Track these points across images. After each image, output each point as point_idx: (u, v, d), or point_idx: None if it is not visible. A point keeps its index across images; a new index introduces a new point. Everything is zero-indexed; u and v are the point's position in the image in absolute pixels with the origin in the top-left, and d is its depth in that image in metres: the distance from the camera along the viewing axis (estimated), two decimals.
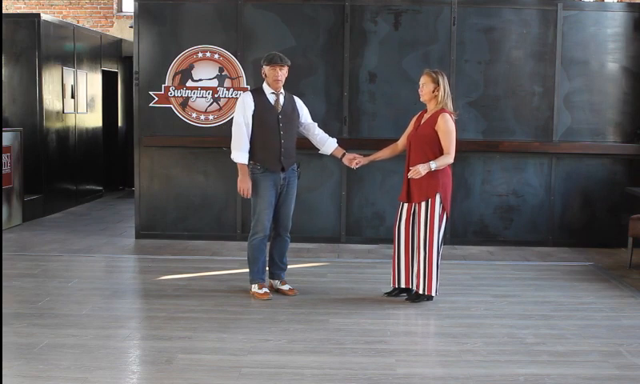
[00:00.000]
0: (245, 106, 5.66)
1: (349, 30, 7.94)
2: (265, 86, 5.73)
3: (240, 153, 5.66)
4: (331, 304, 5.65)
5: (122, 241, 8.13)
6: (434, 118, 5.55)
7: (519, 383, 4.14)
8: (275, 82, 5.65)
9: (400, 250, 5.68)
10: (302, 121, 5.90)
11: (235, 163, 5.71)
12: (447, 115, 5.53)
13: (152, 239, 8.07)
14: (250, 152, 5.71)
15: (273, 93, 5.70)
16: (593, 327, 5.17)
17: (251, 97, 5.69)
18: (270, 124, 5.65)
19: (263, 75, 5.72)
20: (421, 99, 5.67)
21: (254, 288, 5.77)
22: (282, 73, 5.66)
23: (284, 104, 5.73)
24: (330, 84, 8.00)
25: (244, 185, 5.67)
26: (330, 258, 7.35)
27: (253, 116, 5.65)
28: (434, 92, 5.57)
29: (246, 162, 5.66)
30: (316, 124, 6.00)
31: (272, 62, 5.64)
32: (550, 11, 7.92)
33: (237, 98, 7.91)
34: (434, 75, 5.57)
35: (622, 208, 8.01)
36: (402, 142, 5.86)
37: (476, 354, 4.59)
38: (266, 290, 5.77)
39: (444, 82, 5.56)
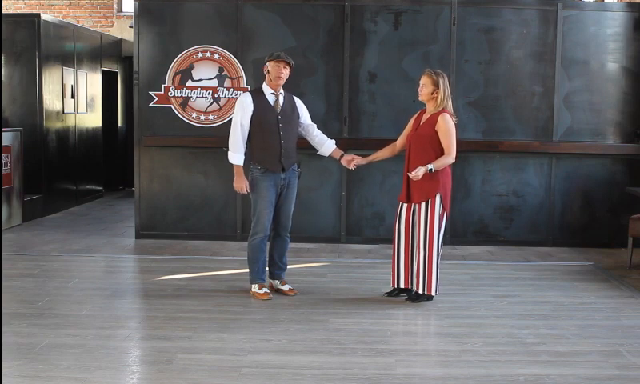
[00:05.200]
0: (244, 107, 5.64)
1: (349, 30, 7.93)
2: (265, 86, 5.72)
3: (235, 154, 5.68)
4: (331, 304, 5.65)
5: (122, 241, 8.13)
6: (433, 119, 5.55)
7: (519, 383, 4.14)
8: (277, 79, 5.63)
9: (400, 250, 5.68)
10: (302, 121, 5.89)
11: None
12: (447, 115, 5.52)
13: (152, 239, 8.07)
14: (251, 152, 5.72)
15: (272, 93, 5.69)
16: (593, 327, 5.17)
17: (250, 98, 5.67)
18: (269, 125, 5.64)
19: (265, 71, 5.69)
20: (419, 99, 5.67)
21: (254, 288, 5.77)
22: (285, 72, 5.66)
23: (283, 104, 5.73)
24: (330, 84, 8.00)
25: (239, 184, 5.73)
26: (330, 258, 7.35)
27: (252, 117, 5.64)
28: (432, 94, 5.56)
29: (241, 164, 5.69)
30: (315, 125, 6.00)
31: (278, 58, 5.64)
32: (550, 11, 7.92)
33: (237, 98, 7.92)
34: (434, 77, 5.55)
35: (622, 208, 8.01)
36: (400, 141, 5.85)
37: (476, 353, 4.59)
38: (265, 290, 5.77)
39: (444, 84, 5.54)
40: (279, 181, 5.70)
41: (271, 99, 5.68)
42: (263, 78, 5.77)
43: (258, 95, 5.70)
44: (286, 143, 5.69)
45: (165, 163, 8.14)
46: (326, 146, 5.97)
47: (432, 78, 5.56)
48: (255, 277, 5.78)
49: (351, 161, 5.88)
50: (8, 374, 4.08)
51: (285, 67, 5.64)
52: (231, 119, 6.23)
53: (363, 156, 5.99)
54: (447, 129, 5.49)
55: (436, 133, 5.51)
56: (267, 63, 5.68)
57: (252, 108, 5.63)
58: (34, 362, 4.30)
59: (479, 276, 6.71)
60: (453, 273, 6.67)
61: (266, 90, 5.71)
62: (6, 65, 9.51)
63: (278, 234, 5.86)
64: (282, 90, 5.74)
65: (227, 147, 5.70)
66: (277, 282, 5.92)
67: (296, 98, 5.91)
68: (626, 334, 5.04)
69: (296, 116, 5.82)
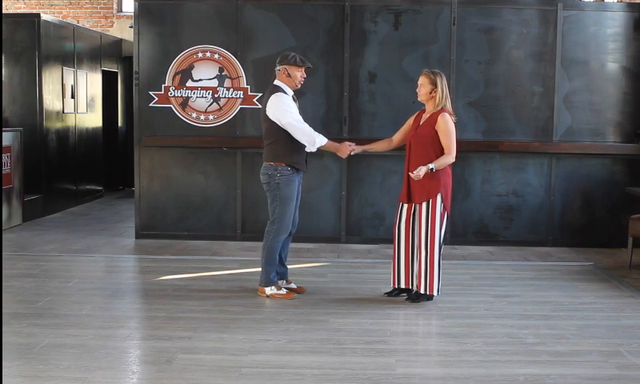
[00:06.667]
0: (291, 104, 5.60)
1: (349, 30, 7.93)
2: (285, 87, 5.67)
3: (316, 138, 5.62)
4: (331, 304, 5.65)
5: (122, 241, 8.13)
6: (433, 118, 5.55)
7: (519, 383, 4.14)
8: (300, 84, 5.70)
9: (400, 250, 5.68)
10: None
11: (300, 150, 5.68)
12: (447, 115, 5.53)
13: (152, 239, 8.07)
14: (279, 154, 5.63)
15: (293, 94, 5.72)
16: (593, 327, 5.17)
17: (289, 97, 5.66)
18: None
19: (285, 75, 5.65)
20: (418, 99, 5.67)
21: (272, 290, 5.73)
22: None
23: (298, 104, 5.78)
24: (330, 84, 7.99)
25: (345, 150, 5.77)
26: (330, 258, 7.35)
27: None
28: (431, 93, 5.56)
29: (327, 139, 5.71)
30: None
31: (304, 63, 5.67)
32: (550, 11, 7.92)
33: (237, 98, 7.94)
34: (432, 76, 5.56)
35: (622, 208, 8.00)
36: (397, 137, 5.86)
37: (476, 353, 4.59)
38: (285, 290, 5.77)
39: (442, 83, 5.55)
40: (300, 180, 5.75)
41: (293, 99, 5.72)
42: (271, 78, 5.75)
43: (288, 95, 5.68)
44: None
45: (165, 163, 8.14)
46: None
47: (430, 78, 5.56)
48: (272, 279, 5.74)
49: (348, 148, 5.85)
50: (8, 374, 4.08)
51: (306, 71, 5.73)
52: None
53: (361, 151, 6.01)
54: (447, 128, 5.49)
55: (436, 132, 5.51)
56: (285, 66, 5.63)
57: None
58: (34, 362, 4.29)
59: (479, 276, 6.71)
60: (453, 273, 6.66)
61: (288, 90, 5.68)
62: (6, 65, 9.51)
63: (289, 232, 5.86)
64: None
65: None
66: (282, 282, 5.91)
67: None
68: (625, 333, 5.04)
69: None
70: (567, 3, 7.96)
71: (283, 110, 5.56)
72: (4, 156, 8.58)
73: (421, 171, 5.39)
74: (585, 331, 5.07)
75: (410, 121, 5.79)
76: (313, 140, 5.61)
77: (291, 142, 5.61)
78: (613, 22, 7.98)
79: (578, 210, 8.13)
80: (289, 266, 6.04)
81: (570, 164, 8.06)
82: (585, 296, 6.02)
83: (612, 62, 8.00)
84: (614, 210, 8.09)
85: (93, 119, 11.41)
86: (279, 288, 5.76)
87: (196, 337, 4.82)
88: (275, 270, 5.76)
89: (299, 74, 5.65)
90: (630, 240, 7.10)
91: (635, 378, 4.25)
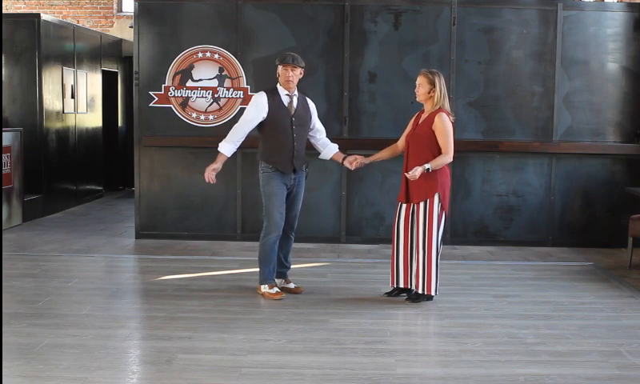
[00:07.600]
0: (258, 106, 5.61)
1: (349, 30, 7.93)
2: (279, 86, 5.70)
3: (227, 144, 5.71)
4: (331, 304, 5.65)
5: (122, 241, 8.13)
6: (431, 118, 5.55)
7: (519, 383, 4.14)
8: (286, 83, 5.63)
9: (399, 250, 5.68)
10: (311, 124, 5.89)
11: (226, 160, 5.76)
12: (444, 115, 5.53)
13: (152, 239, 8.07)
14: (263, 154, 5.70)
15: (287, 94, 5.68)
16: (593, 327, 5.17)
17: (266, 98, 5.63)
18: (283, 126, 5.63)
19: (277, 75, 5.70)
20: (417, 99, 5.67)
21: (265, 288, 5.74)
22: (294, 74, 5.64)
23: (297, 106, 5.72)
24: (330, 84, 8.00)
25: (209, 169, 5.65)
26: (330, 258, 7.35)
27: (266, 117, 5.62)
28: (429, 93, 5.56)
29: (227, 155, 5.71)
30: (324, 129, 6.01)
31: (284, 61, 5.63)
32: (550, 11, 7.92)
33: (237, 98, 7.95)
34: (430, 76, 5.55)
35: (622, 208, 8.00)
36: (401, 142, 5.85)
37: (476, 353, 4.59)
38: (277, 289, 5.76)
39: (440, 83, 5.55)
40: (289, 180, 5.72)
41: (285, 100, 5.68)
42: (277, 78, 5.77)
43: (273, 95, 5.67)
44: (298, 145, 5.69)
45: (165, 163, 8.14)
46: (329, 148, 5.97)
47: (428, 77, 5.56)
48: (267, 277, 5.75)
49: (353, 161, 5.87)
50: (8, 374, 4.08)
51: (293, 70, 5.62)
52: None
53: (365, 156, 5.99)
54: (444, 128, 5.49)
55: (433, 132, 5.51)
56: (277, 67, 5.68)
57: (267, 109, 5.61)
58: (34, 362, 4.29)
59: (479, 276, 6.71)
60: (453, 273, 6.67)
61: (281, 91, 5.69)
62: (6, 65, 9.51)
63: (286, 233, 5.85)
64: (296, 92, 5.73)
65: None
66: (281, 281, 5.91)
67: (309, 100, 5.90)
68: (626, 333, 5.04)
69: (308, 118, 5.82)
70: (567, 3, 7.96)
71: (248, 106, 5.75)
72: (4, 156, 8.58)
73: (416, 171, 5.39)
74: (585, 331, 5.07)
75: (411, 122, 5.79)
76: (224, 141, 5.72)
77: (272, 141, 5.63)
78: (613, 22, 7.98)
79: (578, 210, 8.13)
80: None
81: (570, 164, 8.06)
82: (585, 296, 6.02)
83: (612, 61, 8.01)
84: (614, 210, 8.10)
85: (93, 119, 11.41)
86: (272, 287, 5.76)
87: (196, 337, 4.82)
88: (271, 269, 5.75)
89: (284, 73, 5.62)
90: (630, 240, 7.10)
91: (635, 378, 4.25)
